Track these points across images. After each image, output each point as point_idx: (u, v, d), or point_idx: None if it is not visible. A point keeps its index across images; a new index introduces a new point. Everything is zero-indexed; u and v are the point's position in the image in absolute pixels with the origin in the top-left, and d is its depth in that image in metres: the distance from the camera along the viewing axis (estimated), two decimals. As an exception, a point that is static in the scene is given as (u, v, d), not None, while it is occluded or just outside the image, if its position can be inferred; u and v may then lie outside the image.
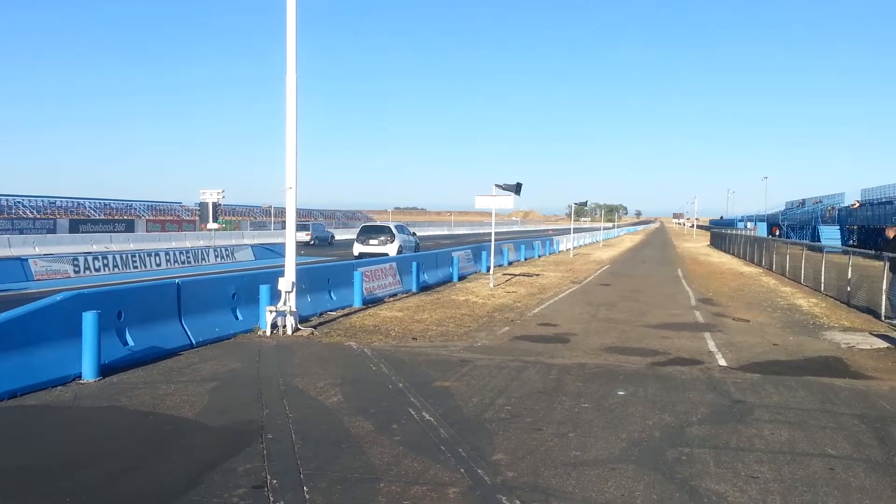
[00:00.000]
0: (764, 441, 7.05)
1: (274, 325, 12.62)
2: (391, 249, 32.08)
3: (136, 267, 27.33)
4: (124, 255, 27.74)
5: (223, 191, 32.44)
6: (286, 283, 12.76)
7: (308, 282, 15.08)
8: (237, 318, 12.63)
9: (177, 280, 11.66)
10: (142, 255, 28.72)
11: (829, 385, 9.56)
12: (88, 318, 8.95)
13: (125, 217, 72.23)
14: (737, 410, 8.18)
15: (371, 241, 33.59)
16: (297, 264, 13.50)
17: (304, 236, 50.37)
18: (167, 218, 79.34)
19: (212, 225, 33.51)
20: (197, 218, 59.84)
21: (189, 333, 11.29)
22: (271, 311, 12.55)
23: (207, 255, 32.03)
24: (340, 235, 70.01)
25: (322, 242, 54.01)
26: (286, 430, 7.06)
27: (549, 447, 6.74)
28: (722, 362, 11.13)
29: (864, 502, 5.54)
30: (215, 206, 32.73)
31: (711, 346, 12.59)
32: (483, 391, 8.83)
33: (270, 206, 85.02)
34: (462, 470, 6.06)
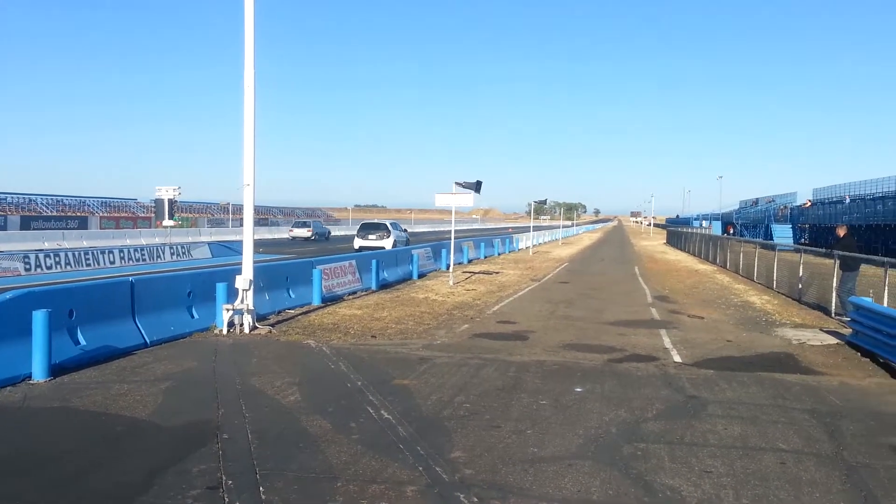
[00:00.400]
0: (717, 436, 7.18)
1: (231, 324, 12.47)
2: (387, 243, 36.04)
3: (89, 265, 26.76)
4: (77, 253, 27.14)
5: (179, 187, 32.02)
6: (243, 280, 12.62)
7: (266, 280, 14.93)
8: (193, 317, 12.45)
9: (130, 278, 11.46)
10: (95, 252, 28.12)
11: (780, 380, 9.77)
12: (38, 317, 8.74)
13: (78, 214, 70.69)
14: (691, 406, 8.31)
15: (370, 236, 38.13)
16: (255, 262, 13.36)
17: (307, 232, 58.51)
18: (122, 215, 77.89)
19: (167, 222, 33.02)
20: (152, 215, 58.77)
21: (143, 332, 11.09)
22: (228, 310, 12.40)
23: (163, 253, 31.49)
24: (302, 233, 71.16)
25: (321, 238, 59.37)
26: (242, 430, 6.98)
27: (507, 444, 6.78)
28: (677, 359, 11.30)
29: (814, 496, 5.67)
30: (171, 202, 32.26)
31: (667, 342, 12.78)
32: (442, 389, 8.83)
33: (228, 204, 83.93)
34: (420, 468, 6.06)
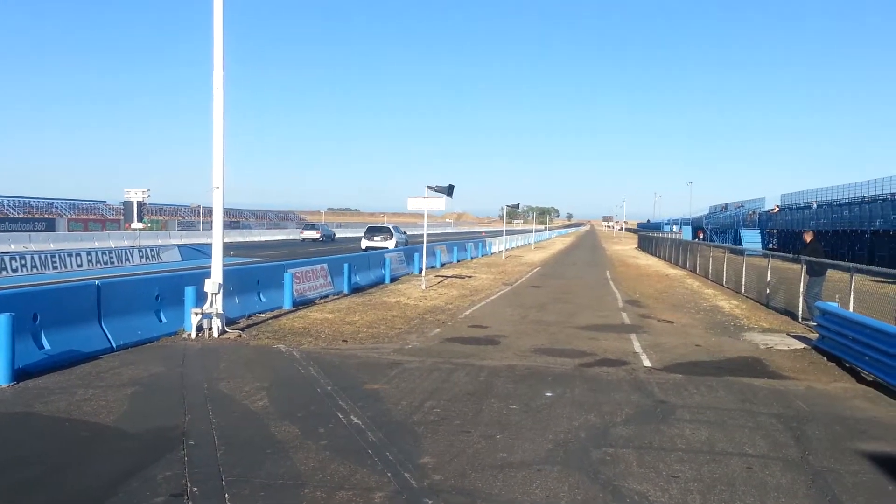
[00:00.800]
0: (685, 441, 7.23)
1: (200, 328, 12.33)
2: (390, 244, 41.42)
3: (55, 267, 26.33)
4: (43, 256, 26.69)
5: (149, 190, 31.74)
6: (212, 284, 12.49)
7: (236, 283, 14.80)
8: (161, 321, 12.29)
9: (97, 281, 11.29)
10: (62, 255, 27.68)
11: (748, 385, 9.87)
12: (1, 321, 8.57)
13: (46, 216, 69.45)
14: (660, 411, 8.36)
15: (375, 238, 44.09)
16: (225, 265, 13.24)
17: (316, 234, 66.14)
18: (90, 217, 76.61)
19: (136, 224, 32.71)
20: (121, 217, 58.06)
21: (109, 336, 10.92)
22: (197, 314, 12.26)
23: (132, 256, 31.10)
24: (274, 236, 71.84)
25: (327, 239, 66.99)
26: (209, 436, 6.89)
27: (476, 449, 6.76)
28: (647, 363, 11.37)
29: (779, 500, 5.73)
30: (140, 205, 31.96)
31: (637, 347, 12.86)
32: (412, 394, 8.80)
33: (199, 206, 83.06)
34: (389, 474, 6.02)
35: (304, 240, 65.84)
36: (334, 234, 73.19)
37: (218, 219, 13.16)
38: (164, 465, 6.08)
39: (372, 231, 46.38)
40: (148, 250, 33.03)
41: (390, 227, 47.11)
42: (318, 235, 65.88)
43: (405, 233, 48.84)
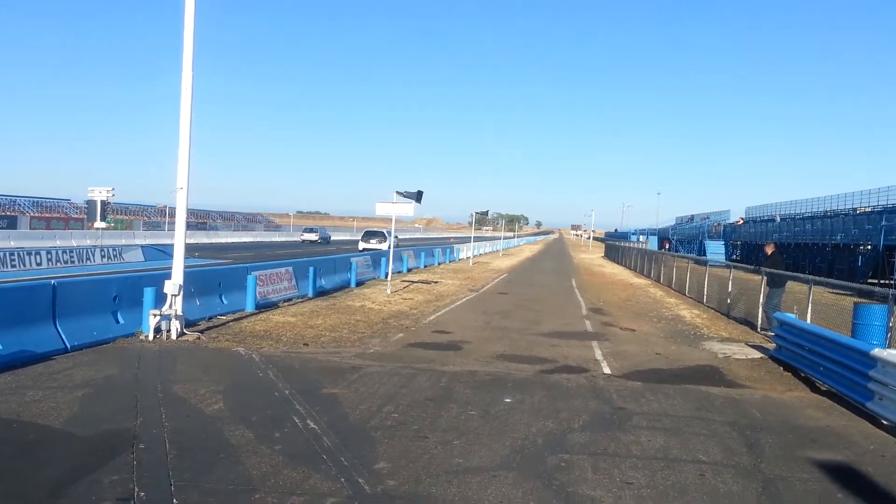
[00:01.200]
0: (640, 447, 7.27)
1: (158, 329, 12.14)
2: (384, 246, 43.73)
3: (14, 266, 25.78)
4: (2, 254, 26.12)
5: (113, 189, 31.19)
6: (172, 285, 12.31)
7: (198, 285, 14.61)
8: (118, 322, 12.08)
9: (52, 281, 11.06)
10: (21, 253, 27.12)
11: (704, 393, 9.96)
12: (-51, 320, 8.35)
13: (8, 213, 68.30)
14: (617, 417, 8.40)
15: (371, 241, 49.48)
16: (188, 266, 13.06)
17: (314, 236, 74.05)
18: (53, 215, 75.50)
19: (99, 224, 32.12)
20: (85, 216, 57.14)
21: (64, 337, 10.70)
22: (155, 315, 12.07)
23: (93, 256, 30.55)
24: (242, 238, 71.74)
25: (324, 241, 74.16)
26: (160, 440, 6.77)
27: (432, 455, 6.73)
28: (606, 370, 11.44)
29: (729, 506, 5.77)
30: (104, 204, 31.40)
31: (598, 354, 12.93)
32: (371, 398, 8.75)
33: (165, 206, 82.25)
34: (342, 479, 5.96)
35: (303, 241, 72.63)
36: (330, 237, 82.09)
37: (181, 219, 12.98)
38: (111, 469, 5.95)
39: (368, 234, 52.05)
40: (110, 250, 32.49)
41: (384, 231, 51.80)
42: (316, 237, 73.78)
43: (396, 236, 53.36)
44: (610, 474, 6.40)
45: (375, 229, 56.47)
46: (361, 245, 49.62)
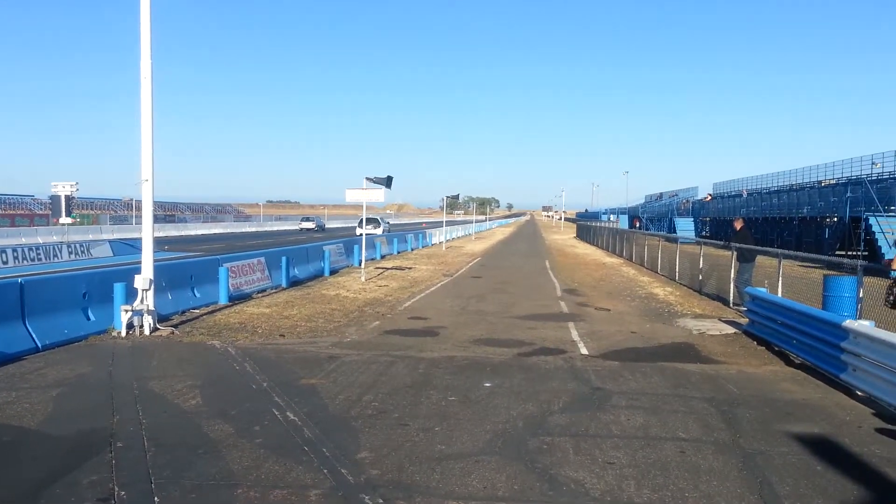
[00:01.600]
0: (621, 427, 7.31)
1: (130, 325, 11.97)
2: (379, 231, 50.68)
3: (-22, 265, 25.27)
4: (-35, 253, 25.59)
5: (77, 183, 30.62)
6: (143, 280, 12.13)
7: (169, 278, 14.42)
8: (89, 319, 11.89)
9: (20, 279, 10.84)
10: (-15, 252, 26.58)
11: (681, 370, 10.06)
12: (-87, 323, 8.15)
13: (-32, 211, 66.79)
14: (596, 398, 8.45)
15: (367, 227, 51.29)
16: (158, 260, 12.89)
17: (312, 224, 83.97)
18: (17, 212, 73.99)
19: (65, 219, 31.55)
20: (49, 212, 56.12)
21: (34, 336, 10.50)
22: (127, 311, 11.89)
23: (60, 252, 30.03)
24: (211, 230, 71.32)
25: (320, 229, 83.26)
26: (138, 437, 6.67)
27: (414, 442, 6.72)
28: (584, 351, 11.50)
29: (711, 483, 5.83)
30: (69, 199, 30.86)
31: (575, 335, 12.99)
32: (350, 388, 8.70)
33: (132, 200, 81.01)
34: (325, 470, 5.93)
35: (301, 229, 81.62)
36: (325, 225, 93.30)
37: (148, 212, 12.78)
38: (90, 469, 5.86)
39: (365, 221, 60.30)
40: (77, 246, 31.96)
41: (378, 217, 58.43)
42: (313, 226, 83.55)
43: (388, 222, 61.58)
44: (592, 455, 6.43)
45: (370, 216, 62.12)
46: (358, 231, 54.08)
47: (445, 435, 6.96)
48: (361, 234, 44.98)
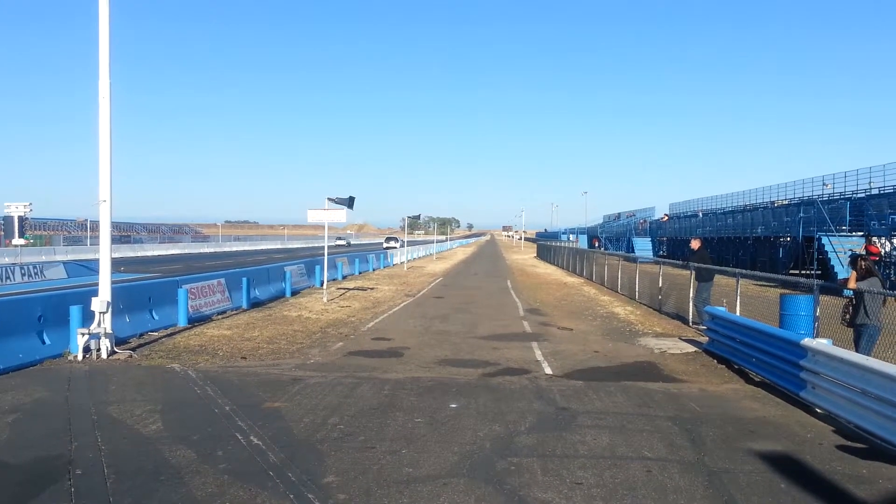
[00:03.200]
0: (587, 447, 7.34)
1: (87, 349, 11.70)
2: (397, 245, 64.83)
3: (-75, 287, 24.52)
4: (-89, 275, 24.82)
5: (30, 203, 29.93)
6: (100, 302, 11.88)
7: (126, 301, 14.15)
8: (44, 343, 11.60)
9: (-29, 302, 10.53)
10: (-67, 274, 25.82)
11: (644, 389, 10.14)
12: None
13: (-86, 232, 64.72)
14: (562, 418, 8.47)
15: (391, 243, 71.78)
16: (114, 282, 12.63)
17: (343, 242, 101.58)
18: (-34, 233, 71.98)
19: (17, 240, 30.79)
20: (1, 233, 54.74)
21: (-14, 361, 10.20)
22: (83, 334, 11.63)
23: (13, 274, 29.29)
24: (168, 251, 70.36)
25: (348, 245, 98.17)
26: (97, 464, 6.50)
27: (381, 465, 6.65)
28: (548, 371, 11.54)
29: (678, 502, 5.87)
30: (21, 219, 30.11)
31: (538, 355, 13.03)
32: (315, 410, 8.60)
33: (86, 220, 79.55)
34: (291, 496, 5.84)
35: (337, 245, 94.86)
36: (350, 242, 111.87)
37: (105, 233, 12.55)
38: (48, 498, 5.69)
39: (388, 239, 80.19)
40: (31, 267, 31.22)
41: (396, 237, 73.78)
42: (343, 242, 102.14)
43: (404, 240, 62.59)
44: (559, 475, 6.43)
45: (393, 236, 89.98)
46: (384, 245, 73.48)
47: (413, 457, 6.90)
48: (387, 248, 57.90)
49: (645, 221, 76.95)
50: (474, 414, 8.58)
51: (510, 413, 8.63)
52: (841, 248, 31.95)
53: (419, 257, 63.53)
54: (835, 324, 11.58)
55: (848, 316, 10.93)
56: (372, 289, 27.99)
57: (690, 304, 17.59)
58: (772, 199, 49.56)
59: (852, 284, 10.93)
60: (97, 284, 12.36)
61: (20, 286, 27.68)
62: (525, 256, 73.41)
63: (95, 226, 71.68)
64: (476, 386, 10.23)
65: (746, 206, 52.80)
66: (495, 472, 6.50)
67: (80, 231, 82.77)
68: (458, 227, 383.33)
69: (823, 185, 43.25)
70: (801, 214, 37.62)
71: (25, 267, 30.88)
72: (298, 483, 6.12)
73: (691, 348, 13.88)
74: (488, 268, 50.02)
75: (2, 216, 36.48)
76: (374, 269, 42.13)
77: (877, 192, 36.04)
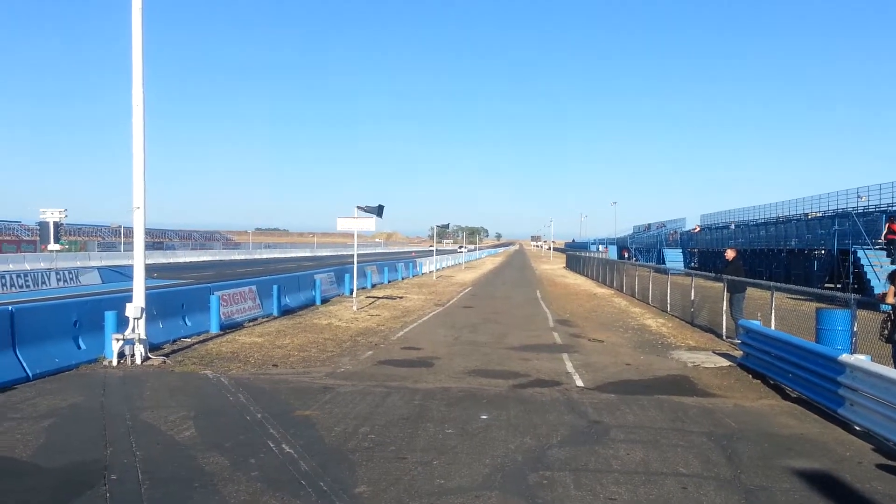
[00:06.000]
0: (620, 462, 7.25)
1: (121, 355, 11.84)
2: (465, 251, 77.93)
3: (-36, 291, 25.03)
4: (-49, 279, 25.35)
5: (66, 210, 30.61)
6: (134, 308, 12.03)
7: (160, 307, 14.31)
8: (80, 348, 11.76)
9: (10, 307, 10.72)
10: (-28, 278, 26.35)
11: (678, 403, 10.01)
12: None
13: (-46, 236, 66.29)
14: (594, 431, 8.39)
15: (460, 249, 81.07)
16: (148, 288, 12.78)
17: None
18: (4, 238, 73.57)
19: (53, 246, 31.43)
20: (37, 238, 55.71)
21: (25, 365, 10.37)
22: (118, 339, 11.77)
23: (48, 279, 29.82)
24: (200, 257, 71.19)
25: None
26: (132, 470, 6.56)
27: (413, 476, 6.63)
28: (579, 383, 11.44)
29: (713, 519, 5.77)
30: (57, 225, 30.71)
31: (569, 367, 12.93)
32: (346, 419, 8.61)
33: (120, 227, 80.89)
34: (323, 505, 5.83)
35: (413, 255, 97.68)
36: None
37: (139, 240, 12.71)
38: (84, 503, 5.74)
39: (460, 247, 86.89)
40: (66, 273, 31.75)
41: (458, 247, 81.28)
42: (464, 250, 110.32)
43: (468, 248, 74.02)
44: (593, 490, 6.36)
45: (461, 244, 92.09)
46: (458, 249, 79.59)
47: (444, 469, 6.87)
48: (463, 253, 62.39)
49: (676, 232, 76.17)
50: (505, 426, 8.52)
51: (542, 425, 8.56)
52: (878, 262, 31.34)
53: (448, 266, 63.58)
54: (872, 339, 11.36)
55: (886, 331, 10.70)
56: (401, 298, 28.03)
57: (724, 316, 17.35)
58: (805, 211, 48.79)
59: (890, 299, 10.70)
60: (131, 290, 12.51)
61: (56, 291, 28.18)
62: (554, 267, 73.11)
63: (129, 232, 72.88)
64: (507, 397, 10.17)
65: (779, 217, 52.06)
66: (527, 486, 6.44)
67: (113, 237, 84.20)
68: (487, 236, 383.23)
69: (858, 196, 42.47)
70: (836, 227, 36.97)
71: (61, 272, 31.41)
72: (330, 492, 6.12)
73: (725, 362, 13.68)
74: (517, 277, 49.89)
75: (38, 222, 37.22)
76: (402, 278, 42.22)
77: (914, 205, 35.32)
